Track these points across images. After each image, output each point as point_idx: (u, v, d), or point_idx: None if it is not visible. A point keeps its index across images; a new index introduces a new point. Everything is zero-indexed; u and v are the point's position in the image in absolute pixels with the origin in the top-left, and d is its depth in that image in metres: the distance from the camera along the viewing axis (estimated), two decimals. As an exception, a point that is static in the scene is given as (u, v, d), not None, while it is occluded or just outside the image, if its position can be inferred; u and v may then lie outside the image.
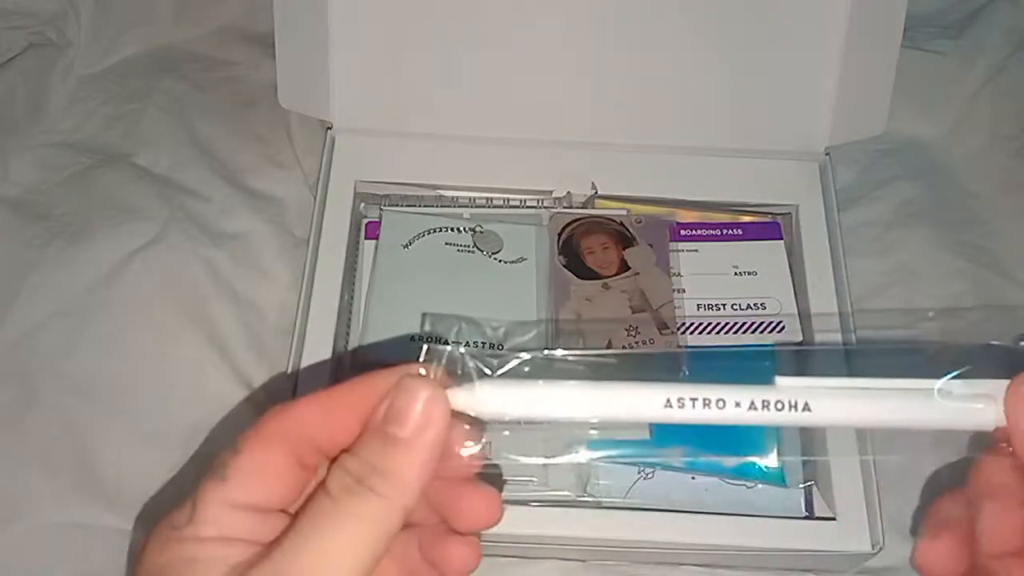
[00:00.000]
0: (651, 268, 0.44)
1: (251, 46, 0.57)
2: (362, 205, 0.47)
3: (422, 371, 0.24)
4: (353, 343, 0.43)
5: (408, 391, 0.22)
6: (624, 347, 0.42)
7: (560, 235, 0.45)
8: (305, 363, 0.42)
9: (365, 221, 0.47)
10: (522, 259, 0.45)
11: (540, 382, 0.24)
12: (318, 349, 0.42)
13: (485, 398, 0.24)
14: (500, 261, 0.45)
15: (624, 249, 0.45)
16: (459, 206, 0.47)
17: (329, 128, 0.48)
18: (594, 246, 0.45)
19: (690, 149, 0.48)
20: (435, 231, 0.45)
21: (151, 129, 0.53)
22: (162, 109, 0.54)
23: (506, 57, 0.47)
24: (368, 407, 0.23)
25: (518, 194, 0.48)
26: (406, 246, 0.45)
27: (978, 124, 0.55)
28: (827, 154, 0.48)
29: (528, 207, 0.47)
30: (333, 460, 0.23)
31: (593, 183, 0.47)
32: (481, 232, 0.45)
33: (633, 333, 0.42)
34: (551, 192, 0.47)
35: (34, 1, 0.55)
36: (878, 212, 0.52)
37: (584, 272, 0.44)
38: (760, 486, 0.40)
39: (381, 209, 0.46)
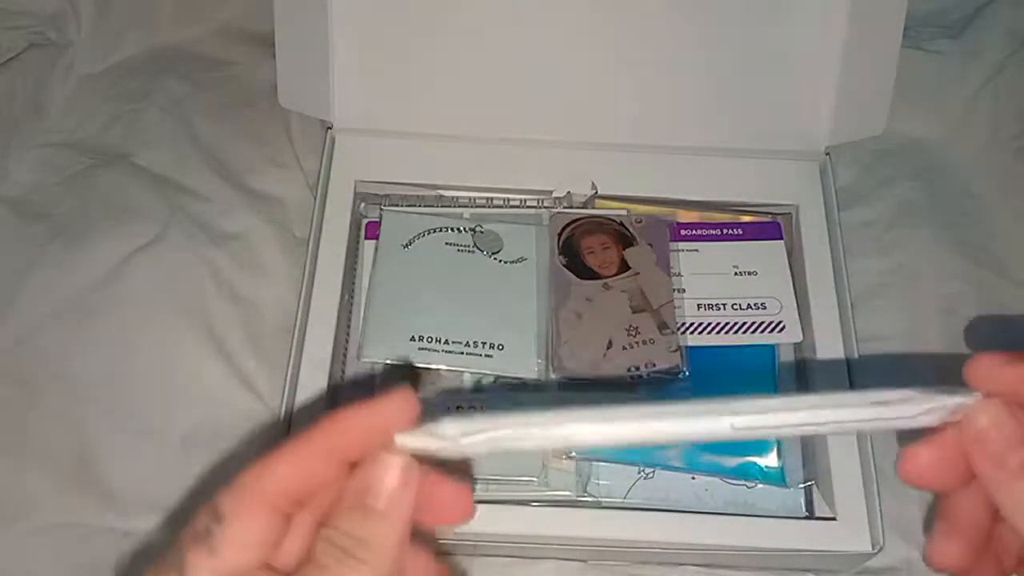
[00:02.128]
0: (651, 268, 0.44)
1: (251, 46, 0.57)
2: (362, 205, 0.47)
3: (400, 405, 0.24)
4: (353, 343, 0.43)
5: (381, 464, 0.24)
6: (624, 347, 0.42)
7: (560, 235, 0.45)
8: (305, 363, 0.42)
9: (365, 221, 0.47)
10: (522, 259, 0.45)
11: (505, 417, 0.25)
12: (318, 349, 0.42)
13: (450, 432, 0.24)
14: (500, 261, 0.45)
15: (624, 249, 0.45)
16: (459, 206, 0.47)
17: (329, 128, 0.48)
18: (594, 246, 0.45)
19: (690, 149, 0.48)
20: (435, 231, 0.45)
21: (151, 129, 0.53)
22: (162, 109, 0.54)
23: (506, 57, 0.47)
24: (342, 453, 0.24)
25: (518, 194, 0.48)
26: (406, 246, 0.45)
27: (978, 124, 0.55)
28: (827, 154, 0.48)
29: (528, 207, 0.47)
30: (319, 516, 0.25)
31: (593, 183, 0.47)
32: (481, 232, 0.45)
33: (633, 333, 0.42)
34: (551, 192, 0.47)
35: (34, 1, 0.55)
36: (878, 212, 0.52)
37: (584, 272, 0.44)
38: (760, 486, 0.40)
39: (381, 209, 0.46)
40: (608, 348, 0.42)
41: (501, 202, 0.48)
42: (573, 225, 0.45)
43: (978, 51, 0.56)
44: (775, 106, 0.48)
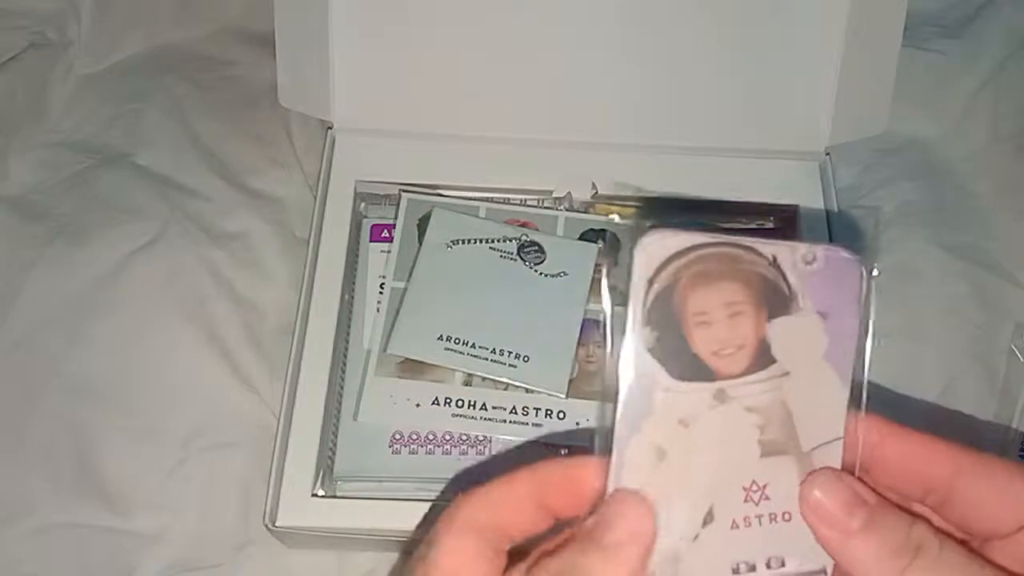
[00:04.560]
0: (816, 365, 0.24)
1: (251, 46, 0.57)
2: (362, 205, 0.47)
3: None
4: (355, 343, 0.43)
5: (621, 502, 0.23)
6: (735, 524, 0.23)
7: (653, 280, 0.23)
8: (305, 363, 0.42)
9: (370, 224, 0.46)
10: (563, 274, 0.44)
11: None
12: (318, 349, 0.42)
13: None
14: (541, 274, 0.44)
15: (771, 319, 0.24)
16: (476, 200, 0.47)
17: (329, 128, 0.48)
18: (714, 307, 0.23)
19: (690, 149, 0.48)
20: (482, 236, 0.45)
21: (151, 129, 0.53)
22: (162, 109, 0.54)
23: (507, 57, 0.47)
24: (543, 495, 0.24)
25: (518, 194, 0.48)
26: (450, 246, 0.44)
27: (978, 124, 0.55)
28: (827, 154, 0.48)
29: (546, 207, 0.47)
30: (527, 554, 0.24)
31: (593, 183, 0.47)
32: (527, 242, 0.45)
33: (757, 497, 0.23)
34: (551, 192, 0.47)
35: (34, 1, 0.55)
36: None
37: (686, 363, 0.23)
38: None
39: (434, 206, 0.46)
40: (706, 524, 0.23)
41: (502, 201, 0.48)
42: (685, 258, 0.23)
43: (978, 51, 0.56)
44: (775, 106, 0.48)
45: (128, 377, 0.45)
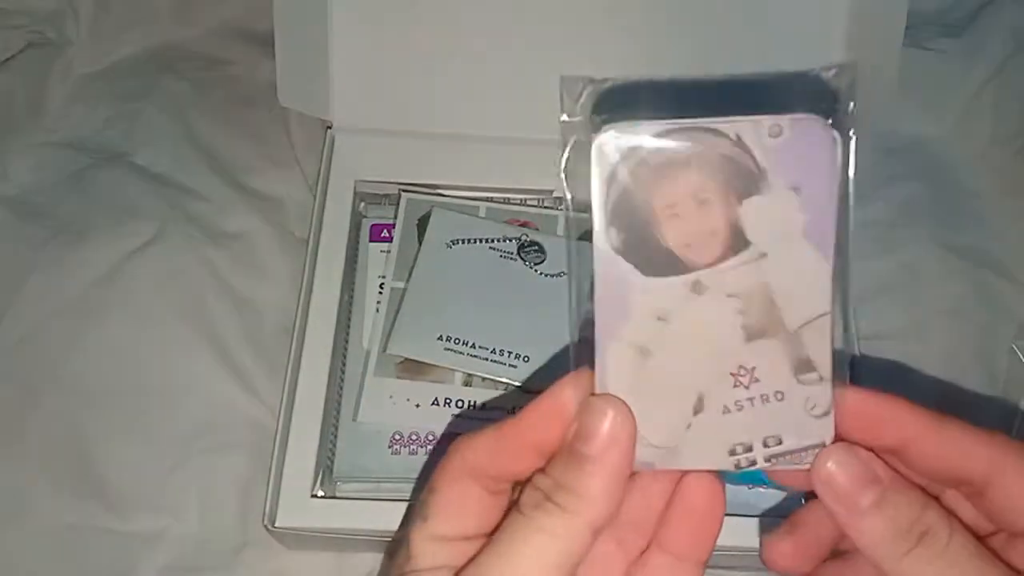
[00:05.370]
0: (794, 241, 0.23)
1: (251, 45, 0.57)
2: (362, 205, 0.47)
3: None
4: (354, 343, 0.43)
5: (595, 411, 0.23)
6: (727, 409, 0.24)
7: (613, 180, 0.23)
8: (305, 363, 0.42)
9: (369, 223, 0.46)
10: (563, 274, 0.44)
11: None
12: (318, 349, 0.42)
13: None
14: (540, 273, 0.44)
15: (742, 201, 0.23)
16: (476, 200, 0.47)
17: (329, 127, 0.48)
18: (681, 198, 0.23)
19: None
20: (482, 236, 0.45)
21: (150, 128, 0.53)
22: (161, 108, 0.54)
23: (506, 57, 0.47)
24: (535, 434, 0.24)
25: (518, 194, 0.48)
26: (450, 245, 0.44)
27: (980, 123, 0.55)
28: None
29: (546, 207, 0.47)
30: (525, 482, 0.24)
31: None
32: (526, 241, 0.44)
33: (745, 381, 0.24)
34: (551, 192, 0.47)
35: (33, 0, 0.55)
36: (880, 212, 0.52)
37: (658, 259, 0.23)
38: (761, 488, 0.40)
39: (433, 206, 0.46)
40: (697, 412, 0.24)
41: (502, 201, 0.48)
42: (640, 155, 0.22)
43: (979, 50, 0.56)
44: (776, 106, 0.48)
45: (127, 377, 0.45)
